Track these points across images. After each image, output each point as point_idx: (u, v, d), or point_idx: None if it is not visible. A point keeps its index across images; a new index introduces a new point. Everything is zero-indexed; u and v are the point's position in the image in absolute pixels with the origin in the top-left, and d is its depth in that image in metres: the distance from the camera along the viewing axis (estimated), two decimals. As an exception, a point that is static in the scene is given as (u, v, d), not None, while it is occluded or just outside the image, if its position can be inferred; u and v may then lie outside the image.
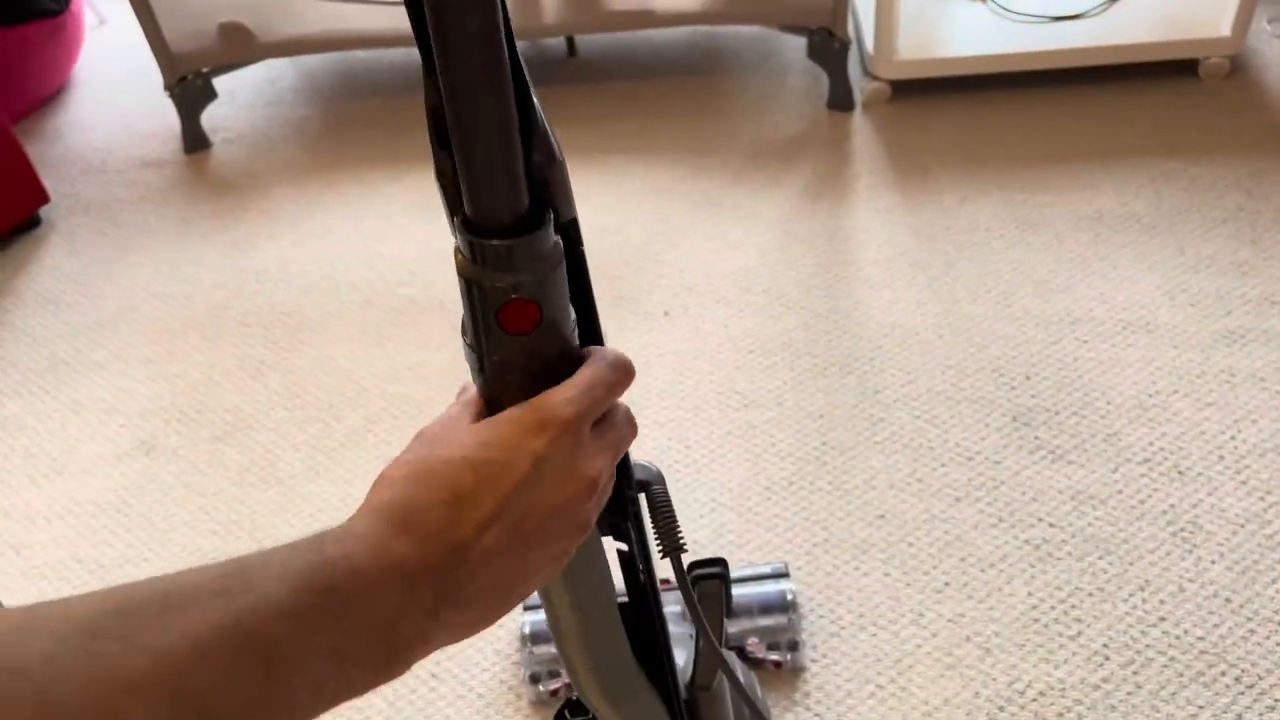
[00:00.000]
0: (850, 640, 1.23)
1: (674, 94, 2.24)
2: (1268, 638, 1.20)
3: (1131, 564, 1.28)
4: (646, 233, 1.87)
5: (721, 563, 0.66)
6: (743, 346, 1.63)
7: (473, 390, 0.47)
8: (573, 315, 0.46)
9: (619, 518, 0.57)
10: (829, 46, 2.05)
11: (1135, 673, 1.18)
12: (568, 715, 0.73)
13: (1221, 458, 1.39)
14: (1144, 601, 1.24)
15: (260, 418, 1.60)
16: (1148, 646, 1.20)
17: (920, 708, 1.17)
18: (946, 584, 1.28)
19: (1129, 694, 1.16)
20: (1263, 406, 1.45)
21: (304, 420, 1.58)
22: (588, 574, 0.57)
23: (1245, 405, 1.46)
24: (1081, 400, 1.49)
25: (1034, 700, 1.17)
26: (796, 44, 2.20)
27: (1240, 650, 1.19)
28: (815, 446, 1.46)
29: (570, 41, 2.37)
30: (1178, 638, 1.21)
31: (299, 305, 1.80)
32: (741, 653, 1.20)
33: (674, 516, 0.57)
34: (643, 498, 0.57)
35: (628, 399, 0.48)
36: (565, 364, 0.45)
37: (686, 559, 0.59)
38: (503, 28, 0.37)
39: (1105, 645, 1.21)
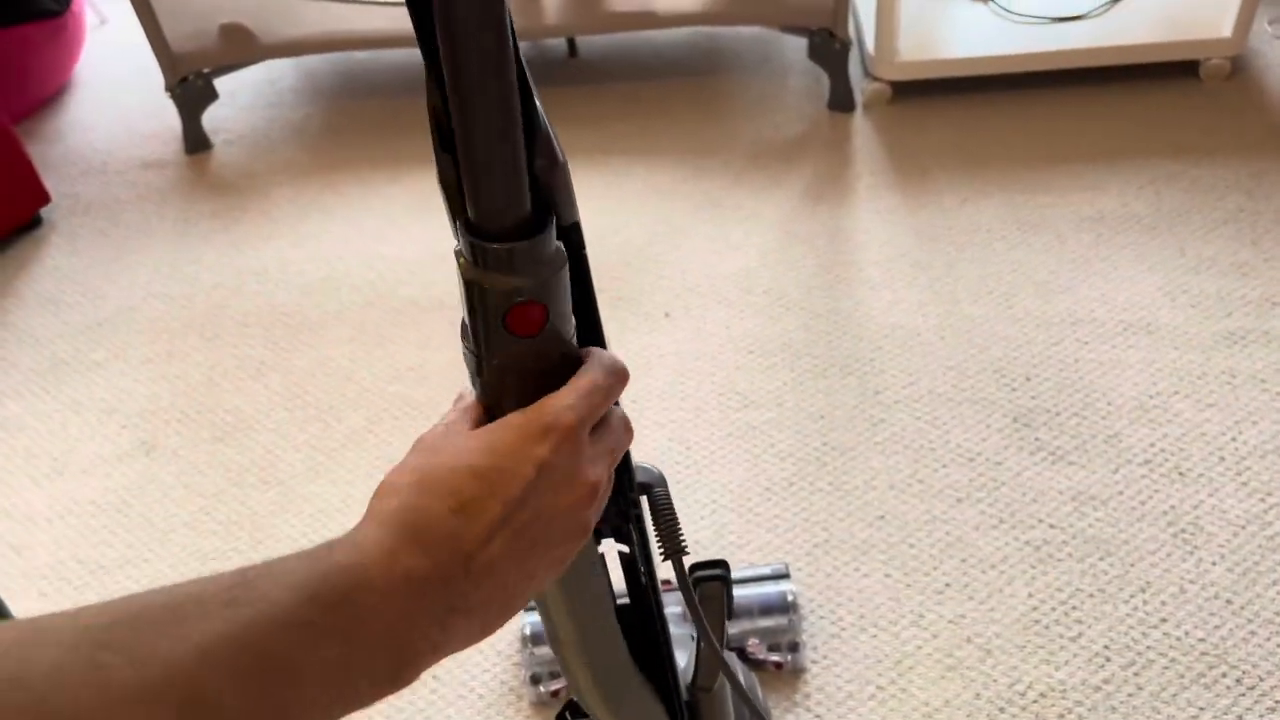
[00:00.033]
0: (851, 641, 1.23)
1: (675, 95, 2.24)
2: (1268, 639, 1.20)
3: (1132, 565, 1.28)
4: (648, 234, 1.87)
5: (723, 565, 0.66)
6: (743, 347, 1.63)
7: (470, 397, 0.47)
8: (572, 318, 0.46)
9: (621, 520, 0.57)
10: (830, 47, 2.05)
11: (1136, 674, 1.18)
12: (568, 716, 0.73)
13: (1222, 459, 1.39)
14: (1145, 603, 1.24)
15: (260, 418, 1.59)
16: (1149, 648, 1.20)
17: (921, 709, 1.17)
18: (947, 585, 1.28)
19: (1130, 695, 1.16)
20: (1263, 408, 1.45)
21: (304, 421, 1.58)
22: (583, 579, 0.57)
23: (1246, 406, 1.46)
24: (1082, 401, 1.48)
25: (1035, 701, 1.16)
26: (797, 45, 2.20)
27: (1241, 652, 1.19)
28: (816, 447, 1.46)
29: (571, 42, 2.37)
30: (1179, 639, 1.21)
31: (299, 305, 1.80)
32: (742, 654, 1.20)
33: (675, 519, 0.57)
34: (644, 500, 0.57)
35: (628, 400, 0.48)
36: (565, 366, 0.45)
37: (687, 561, 0.59)
38: (510, 33, 0.37)
39: (1106, 646, 1.21)
